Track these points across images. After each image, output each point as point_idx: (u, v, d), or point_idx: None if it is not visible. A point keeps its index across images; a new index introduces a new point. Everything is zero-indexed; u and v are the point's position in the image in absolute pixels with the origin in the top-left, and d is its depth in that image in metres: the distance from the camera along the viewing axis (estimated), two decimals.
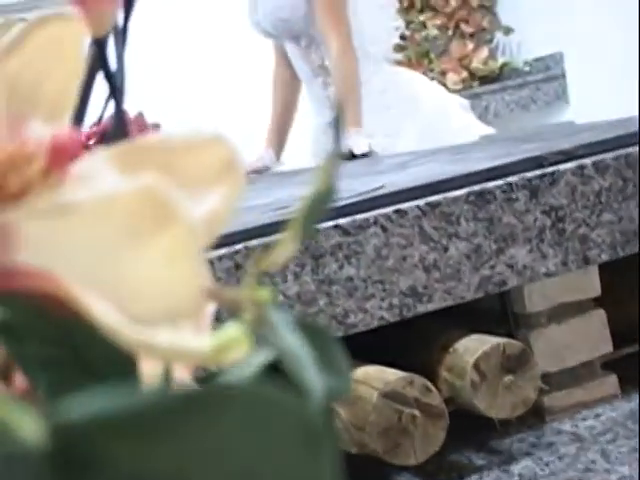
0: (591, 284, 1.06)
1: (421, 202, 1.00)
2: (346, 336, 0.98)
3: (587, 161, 1.05)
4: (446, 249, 1.00)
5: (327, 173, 0.29)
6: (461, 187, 1.02)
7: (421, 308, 1.00)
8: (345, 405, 0.96)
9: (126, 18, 0.53)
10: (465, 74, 4.82)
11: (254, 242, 0.95)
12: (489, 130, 3.16)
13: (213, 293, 0.27)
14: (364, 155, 2.65)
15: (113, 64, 0.49)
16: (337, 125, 0.30)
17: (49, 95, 0.31)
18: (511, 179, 1.02)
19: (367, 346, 1.03)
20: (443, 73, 4.81)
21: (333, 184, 0.29)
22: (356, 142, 2.73)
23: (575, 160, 1.05)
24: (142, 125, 0.61)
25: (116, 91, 0.44)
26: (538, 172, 1.03)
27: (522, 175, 1.03)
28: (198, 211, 0.30)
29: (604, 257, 1.05)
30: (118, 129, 0.48)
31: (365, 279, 0.97)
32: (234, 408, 0.21)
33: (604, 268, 1.07)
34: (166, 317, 0.25)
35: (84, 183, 0.28)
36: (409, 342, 1.09)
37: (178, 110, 4.50)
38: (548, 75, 4.55)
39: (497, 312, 1.08)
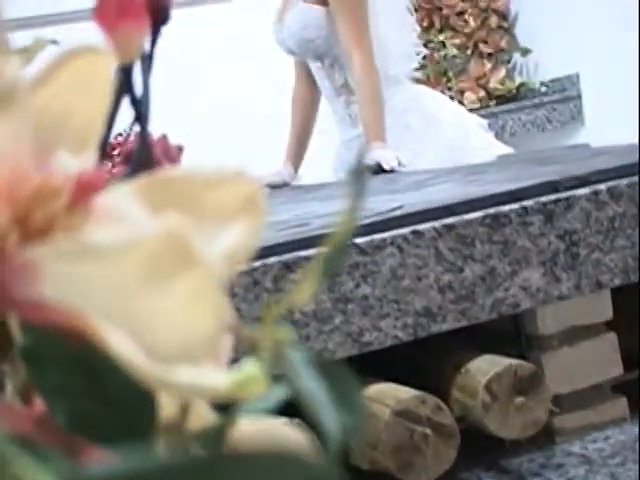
0: (603, 308, 1.06)
1: (437, 224, 0.99)
2: (361, 354, 0.98)
3: (602, 187, 1.04)
4: (461, 270, 0.99)
5: (349, 216, 0.28)
6: (477, 210, 1.01)
7: (435, 328, 0.99)
8: None
9: (153, 44, 0.53)
10: (482, 93, 4.82)
11: (272, 259, 0.95)
12: (507, 149, 3.16)
13: (233, 329, 0.27)
14: (392, 170, 2.65)
15: (138, 88, 0.49)
16: (359, 171, 0.30)
17: (76, 126, 0.31)
18: (526, 203, 1.02)
19: (381, 364, 1.03)
20: (461, 92, 4.81)
21: (354, 227, 0.29)
22: (384, 156, 2.72)
23: (590, 186, 1.05)
24: (166, 148, 0.60)
25: (141, 117, 0.44)
26: (553, 197, 1.03)
27: (537, 199, 1.02)
28: (220, 245, 0.30)
29: (616, 282, 1.05)
30: (142, 154, 0.48)
31: (380, 298, 0.97)
32: (246, 474, 0.20)
33: (616, 292, 1.06)
34: (185, 355, 0.25)
35: (108, 219, 0.28)
36: (422, 361, 1.08)
37: (200, 128, 4.51)
38: (564, 96, 4.54)
39: (510, 333, 1.07)
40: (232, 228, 0.30)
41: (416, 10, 5.04)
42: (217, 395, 0.26)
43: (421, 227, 0.99)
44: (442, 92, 3.94)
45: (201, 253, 0.24)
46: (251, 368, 0.26)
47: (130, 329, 0.24)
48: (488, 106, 4.71)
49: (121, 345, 0.24)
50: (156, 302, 0.24)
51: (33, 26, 4.05)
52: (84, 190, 0.27)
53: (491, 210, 1.01)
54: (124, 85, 0.45)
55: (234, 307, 0.85)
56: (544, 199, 1.03)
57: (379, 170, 2.66)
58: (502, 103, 4.73)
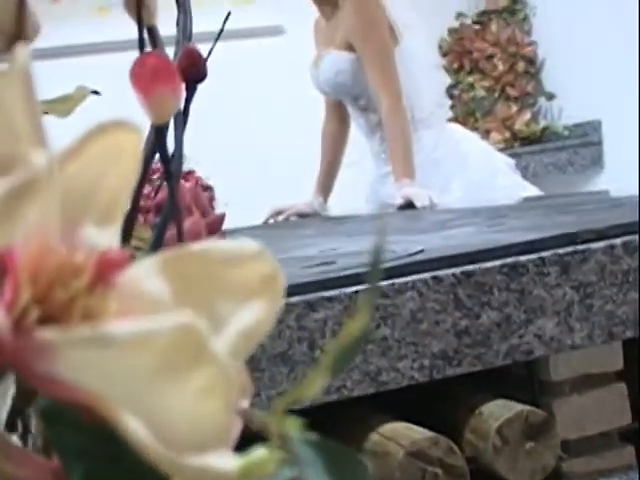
0: (614, 358, 1.04)
1: (457, 270, 0.98)
2: (377, 392, 0.97)
3: (617, 241, 1.03)
4: (478, 316, 0.98)
5: (366, 309, 0.28)
6: (496, 258, 1.00)
7: (450, 371, 0.98)
8: (372, 459, 0.95)
9: (187, 102, 0.53)
10: (508, 134, 4.81)
11: (296, 299, 0.94)
12: (533, 189, 3.15)
13: (244, 415, 0.26)
14: (423, 207, 2.63)
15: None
16: (377, 255, 0.29)
17: (103, 199, 0.30)
18: (544, 254, 1.01)
19: (397, 403, 1.02)
20: (487, 132, 4.80)
21: (370, 320, 0.28)
22: (417, 194, 2.71)
23: (606, 239, 1.03)
24: (197, 196, 0.60)
25: (171, 175, 0.44)
26: (570, 249, 1.02)
27: (555, 251, 1.01)
28: (239, 323, 0.29)
29: (628, 334, 1.03)
30: (171, 208, 0.47)
31: (399, 340, 0.96)
32: None
33: (627, 344, 1.05)
34: (196, 443, 0.24)
35: (130, 296, 0.27)
36: (437, 402, 1.07)
37: (236, 158, 4.52)
38: (585, 141, 4.52)
39: (523, 378, 1.06)
40: (251, 306, 0.29)
41: (447, 53, 5.05)
42: (227, 479, 0.25)
43: (441, 273, 0.98)
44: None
45: (214, 350, 0.23)
46: (260, 453, 0.25)
47: (143, 417, 0.24)
48: (513, 147, 4.70)
49: (135, 430, 0.24)
50: (169, 395, 0.23)
51: (73, 54, 4.08)
52: (106, 270, 0.26)
53: (509, 259, 1.00)
54: (156, 144, 0.44)
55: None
56: (561, 251, 1.01)
57: (409, 207, 2.65)
58: (526, 144, 4.72)
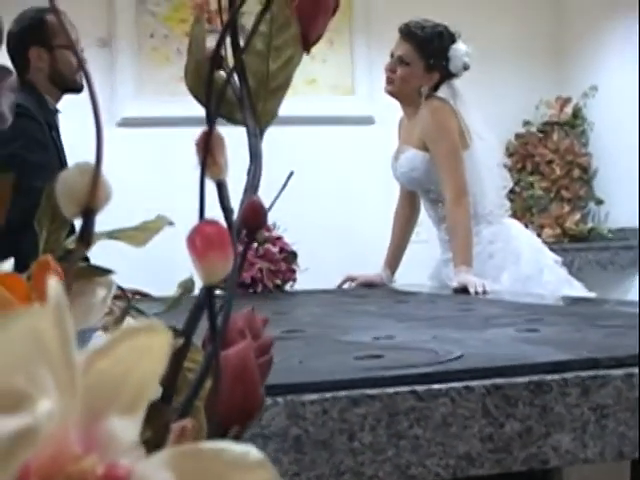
0: (622, 474, 1.00)
1: (487, 382, 0.95)
2: None
3: (635, 370, 0.99)
4: (502, 425, 0.95)
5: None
6: (524, 375, 0.97)
7: (472, 471, 0.95)
8: None
9: (245, 250, 0.51)
10: (559, 231, 4.75)
11: (342, 393, 0.92)
12: (576, 284, 3.09)
13: None
14: (476, 293, 2.60)
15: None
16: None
17: (129, 392, 0.29)
18: (567, 375, 0.97)
19: None
20: (541, 227, 4.75)
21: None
22: (471, 281, 2.69)
23: (625, 368, 0.99)
24: (251, 321, 0.58)
25: (216, 335, 0.42)
26: (591, 373, 0.98)
27: (577, 373, 0.98)
28: None
29: (637, 454, 0.99)
30: (217, 374, 0.46)
31: (429, 439, 0.93)
32: None
33: (635, 463, 1.01)
34: None
35: None
36: None
37: (318, 230, 4.53)
38: (626, 244, 4.46)
39: None
40: None
41: (513, 154, 5.02)
42: None
43: (473, 383, 0.95)
44: (525, 225, 3.89)
45: None
46: None
47: None
48: (562, 242, 4.64)
49: None
50: None
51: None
52: None
53: (535, 377, 0.97)
54: (205, 303, 0.43)
55: (303, 429, 0.81)
56: (583, 374, 0.98)
57: (464, 291, 2.62)
58: (574, 242, 4.66)
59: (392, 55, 3.12)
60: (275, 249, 3.05)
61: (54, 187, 0.39)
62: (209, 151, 0.48)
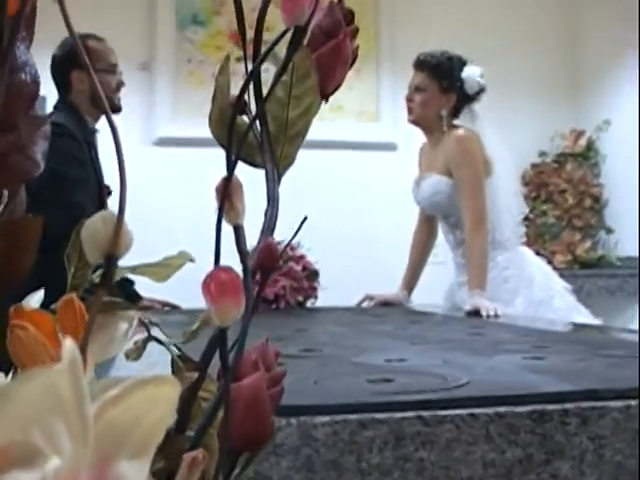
0: None
1: (491, 410, 0.95)
2: None
3: (633, 402, 0.99)
4: (504, 452, 0.95)
5: None
6: (526, 404, 0.97)
7: None
8: None
9: (260, 289, 0.52)
10: (570, 257, 4.73)
11: (353, 417, 0.92)
12: (584, 311, 3.08)
13: None
14: (488, 316, 2.60)
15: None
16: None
17: (139, 437, 0.29)
18: (567, 406, 0.97)
19: None
20: (553, 253, 4.73)
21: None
22: (484, 305, 2.68)
23: (623, 399, 0.99)
24: (265, 352, 0.59)
25: (227, 371, 0.43)
26: (591, 404, 0.98)
27: (577, 404, 0.97)
28: None
29: None
30: (228, 403, 0.46)
31: (434, 463, 0.93)
32: None
33: None
34: None
35: None
36: None
37: (340, 250, 4.53)
38: (634, 272, 4.43)
39: None
40: None
41: (528, 183, 5.00)
42: None
43: (477, 411, 0.95)
44: (537, 251, 3.87)
45: None
46: None
47: None
48: (573, 268, 4.62)
49: None
50: None
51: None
52: None
53: (538, 406, 0.96)
54: (219, 342, 0.43)
55: (314, 449, 0.81)
56: (583, 405, 0.97)
57: (476, 314, 2.62)
58: (584, 268, 4.63)
59: (410, 87, 3.14)
60: (298, 267, 3.06)
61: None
62: (227, 196, 0.49)
